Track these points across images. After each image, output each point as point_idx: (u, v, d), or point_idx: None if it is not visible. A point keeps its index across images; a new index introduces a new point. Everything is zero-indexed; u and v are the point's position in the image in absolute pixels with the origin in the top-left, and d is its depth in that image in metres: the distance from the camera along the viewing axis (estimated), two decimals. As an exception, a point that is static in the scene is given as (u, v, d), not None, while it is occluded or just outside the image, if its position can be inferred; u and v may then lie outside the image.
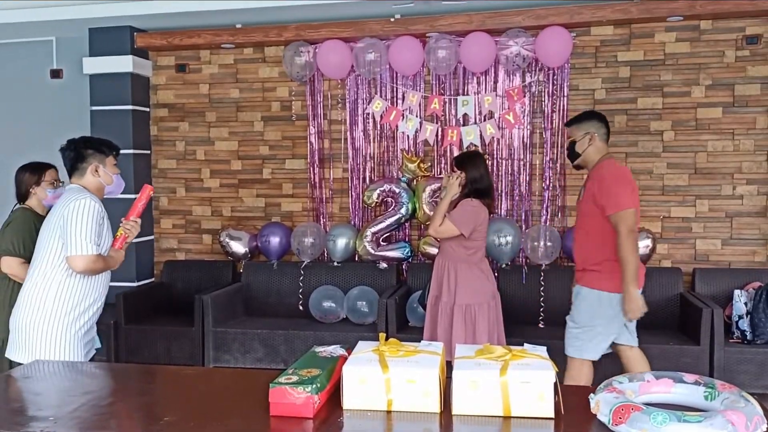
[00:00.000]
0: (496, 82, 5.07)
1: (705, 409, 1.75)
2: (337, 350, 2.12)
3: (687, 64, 4.85)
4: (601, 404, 1.73)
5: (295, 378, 1.77)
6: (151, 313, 5.20)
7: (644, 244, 4.77)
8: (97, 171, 2.89)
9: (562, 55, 4.83)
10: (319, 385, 1.74)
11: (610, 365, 4.09)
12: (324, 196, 5.43)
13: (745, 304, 4.33)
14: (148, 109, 5.68)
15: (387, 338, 2.00)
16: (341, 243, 5.09)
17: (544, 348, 2.02)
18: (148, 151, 5.71)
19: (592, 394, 1.81)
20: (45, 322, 2.76)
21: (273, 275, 5.25)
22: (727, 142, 4.83)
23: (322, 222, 5.39)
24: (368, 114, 5.28)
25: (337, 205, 5.43)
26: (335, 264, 5.17)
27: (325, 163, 5.43)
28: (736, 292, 4.41)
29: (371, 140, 5.31)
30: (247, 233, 5.39)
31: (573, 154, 3.49)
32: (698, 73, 4.84)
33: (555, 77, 4.99)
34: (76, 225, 2.70)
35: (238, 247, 5.34)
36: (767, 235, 4.81)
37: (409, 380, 1.79)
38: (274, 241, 5.22)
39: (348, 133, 5.35)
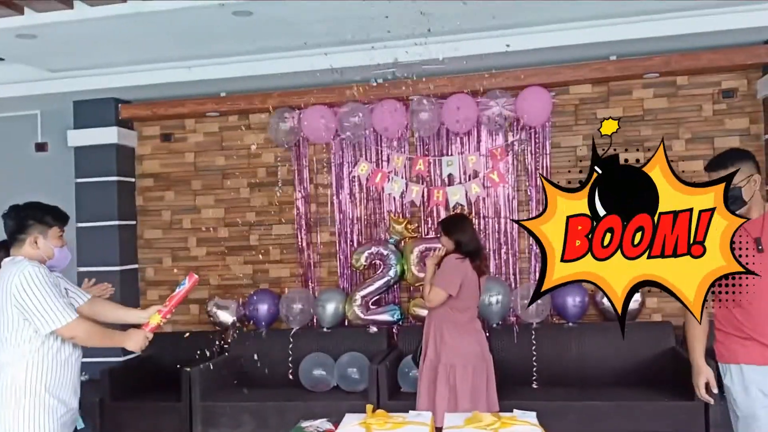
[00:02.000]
0: (479, 141, 5.12)
1: None
2: (323, 424, 2.09)
3: (666, 119, 4.94)
4: None
5: None
6: (138, 389, 5.05)
7: (633, 299, 4.74)
8: (36, 243, 2.72)
9: (542, 114, 4.91)
10: (303, 463, 1.69)
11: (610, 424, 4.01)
12: (312, 260, 5.39)
13: (740, 356, 4.26)
14: (133, 180, 5.69)
15: (378, 406, 1.95)
16: (330, 308, 5.03)
17: (534, 414, 2.00)
18: (134, 222, 5.68)
19: None
20: (20, 405, 2.60)
21: (262, 344, 5.13)
22: (711, 194, 4.85)
23: (310, 287, 5.34)
24: (354, 177, 5.30)
25: (326, 269, 5.39)
26: (325, 330, 5.08)
27: (313, 227, 5.41)
28: (731, 344, 4.34)
29: (358, 203, 5.32)
30: (235, 301, 5.32)
31: (734, 201, 2.56)
32: (677, 128, 4.92)
33: (537, 136, 5.05)
34: (34, 299, 2.55)
35: (226, 317, 5.25)
36: (758, 286, 4.78)
37: (397, 454, 1.75)
38: (263, 308, 5.15)
39: (334, 196, 5.36)
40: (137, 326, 2.82)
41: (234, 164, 5.60)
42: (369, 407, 2.07)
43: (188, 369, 4.67)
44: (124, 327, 2.86)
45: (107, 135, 5.39)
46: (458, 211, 5.05)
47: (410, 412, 2.10)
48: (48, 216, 2.78)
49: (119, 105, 5.45)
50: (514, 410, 2.00)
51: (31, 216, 2.74)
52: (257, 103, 5.30)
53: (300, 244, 5.41)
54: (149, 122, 5.69)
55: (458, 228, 3.72)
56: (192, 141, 5.68)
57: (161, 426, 4.73)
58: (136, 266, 5.67)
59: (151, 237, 5.72)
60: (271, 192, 5.51)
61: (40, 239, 2.72)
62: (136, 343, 2.77)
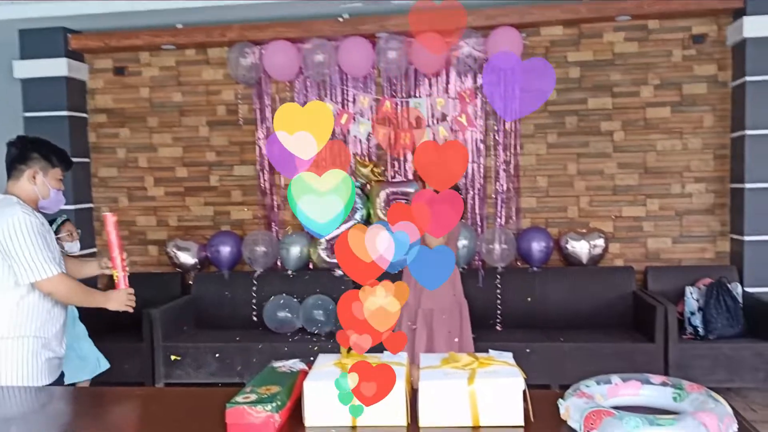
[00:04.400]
0: (447, 83, 5.01)
1: (674, 411, 1.73)
2: (296, 365, 2.03)
3: (635, 64, 4.90)
4: (571, 410, 1.69)
5: (253, 396, 1.67)
6: (98, 330, 4.88)
7: (596, 244, 4.80)
8: (34, 178, 2.55)
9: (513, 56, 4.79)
10: (279, 403, 1.64)
11: (572, 365, 4.08)
12: (275, 203, 5.27)
13: (697, 300, 4.37)
14: (85, 115, 5.41)
15: (348, 349, 1.90)
16: (295, 251, 4.95)
17: (510, 354, 1.98)
18: (87, 160, 5.44)
19: (560, 400, 1.77)
20: (5, 347, 2.49)
21: (224, 286, 5.05)
22: (676, 141, 4.89)
23: (274, 230, 5.23)
24: (318, 117, 5.14)
25: (289, 212, 5.28)
26: (289, 273, 5.01)
27: (275, 169, 5.26)
28: (688, 288, 4.46)
29: (322, 144, 5.17)
30: (196, 243, 5.19)
31: None
32: (646, 73, 4.89)
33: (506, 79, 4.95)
34: (18, 247, 2.42)
35: (187, 258, 5.13)
36: (715, 232, 4.89)
37: (374, 394, 1.70)
38: (225, 250, 5.04)
39: (298, 137, 5.20)
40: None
41: (192, 101, 5.38)
42: (344, 348, 2.00)
43: (150, 310, 4.56)
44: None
45: (56, 67, 5.08)
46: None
47: (385, 352, 2.04)
48: (53, 155, 2.62)
49: (68, 35, 5.12)
50: (490, 351, 1.96)
51: (37, 149, 2.58)
52: (216, 36, 5.05)
53: (262, 185, 5.27)
54: (101, 54, 5.39)
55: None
56: (147, 75, 5.41)
57: (124, 367, 4.61)
58: (91, 205, 5.46)
59: (106, 175, 5.49)
60: (232, 131, 5.33)
61: (39, 175, 2.56)
62: (118, 302, 2.64)
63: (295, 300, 4.82)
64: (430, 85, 5.03)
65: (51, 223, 3.83)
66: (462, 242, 4.69)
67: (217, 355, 4.54)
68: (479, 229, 4.99)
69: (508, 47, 4.74)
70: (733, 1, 4.53)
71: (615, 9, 4.66)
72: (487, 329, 4.63)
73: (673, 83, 4.86)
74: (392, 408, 1.67)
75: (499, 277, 4.77)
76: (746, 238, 4.55)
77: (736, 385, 4.03)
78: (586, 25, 4.90)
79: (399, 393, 1.68)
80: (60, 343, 2.67)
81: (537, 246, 4.75)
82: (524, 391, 1.67)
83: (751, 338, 4.17)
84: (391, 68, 4.90)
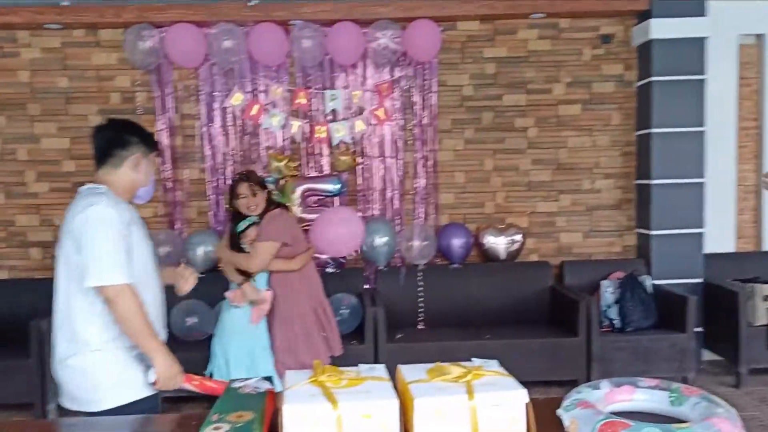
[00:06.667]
0: (365, 76, 4.83)
1: (674, 415, 1.69)
2: (260, 384, 1.83)
3: (548, 62, 4.97)
4: (580, 423, 1.60)
5: (226, 426, 1.46)
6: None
7: (514, 239, 4.82)
8: (138, 165, 2.25)
9: (430, 50, 4.70)
10: (257, 432, 1.44)
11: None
12: (179, 199, 4.85)
13: (612, 293, 4.50)
14: (-48, 101, 4.73)
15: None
16: (202, 251, 4.57)
17: (496, 361, 1.87)
18: (-45, 151, 4.76)
19: (561, 411, 1.68)
20: (94, 359, 2.15)
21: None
22: (586, 138, 5.02)
23: (178, 228, 4.81)
24: (227, 108, 4.80)
25: (195, 209, 4.89)
26: (197, 275, 4.62)
27: (179, 162, 4.86)
28: (603, 282, 4.58)
29: (232, 137, 4.84)
30: (88, 245, 4.67)
31: None
32: (558, 71, 4.97)
33: (424, 72, 4.86)
34: (90, 244, 2.07)
35: (79, 262, 4.61)
36: (622, 227, 5.07)
37: (365, 415, 1.53)
38: (121, 252, 4.57)
39: (204, 129, 4.83)
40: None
41: (81, 87, 4.84)
42: (316, 363, 1.82)
43: (38, 321, 4.04)
44: None
45: None
46: (342, 148, 4.78)
47: (360, 365, 1.89)
48: (150, 137, 2.32)
49: (-70, 8, 4.45)
50: (473, 359, 1.85)
51: (136, 132, 2.28)
52: (110, 16, 4.57)
53: (164, 181, 4.84)
54: (-30, 33, 4.73)
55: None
56: (26, 57, 4.81)
57: (5, 387, 4.05)
58: (-41, 205, 4.78)
59: (-22, 170, 4.83)
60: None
61: (143, 162, 2.27)
62: (165, 367, 2.16)
63: (206, 304, 4.46)
64: (347, 77, 4.83)
65: (237, 221, 3.54)
66: (382, 239, 4.55)
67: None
68: (398, 226, 4.86)
69: (426, 40, 4.65)
70: (638, 3, 4.70)
71: (530, 6, 4.69)
72: (411, 328, 4.52)
73: (584, 81, 4.98)
74: (384, 427, 1.50)
75: (420, 274, 4.67)
76: (653, 232, 4.75)
77: (653, 376, 4.17)
78: (501, 21, 4.90)
79: (393, 413, 1.51)
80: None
81: (457, 242, 4.69)
82: (527, 405, 1.54)
83: (664, 329, 4.34)
84: (306, 58, 4.65)
